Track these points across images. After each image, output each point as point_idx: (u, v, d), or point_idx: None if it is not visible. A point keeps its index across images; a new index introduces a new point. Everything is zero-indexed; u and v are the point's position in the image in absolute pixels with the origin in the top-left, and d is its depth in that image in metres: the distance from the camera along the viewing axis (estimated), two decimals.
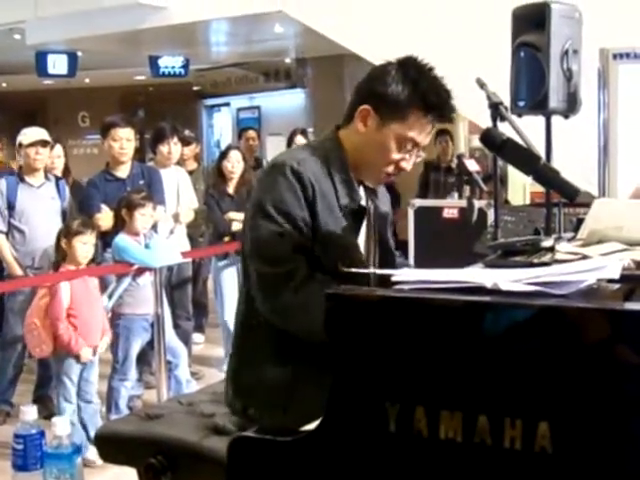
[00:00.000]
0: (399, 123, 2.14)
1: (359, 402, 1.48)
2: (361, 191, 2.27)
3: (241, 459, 1.63)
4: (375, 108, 2.15)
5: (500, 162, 2.24)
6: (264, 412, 2.11)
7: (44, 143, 5.06)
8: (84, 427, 4.20)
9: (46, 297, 4.25)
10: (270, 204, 2.08)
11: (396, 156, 2.17)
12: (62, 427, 1.78)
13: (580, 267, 1.53)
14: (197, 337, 6.65)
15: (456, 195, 7.55)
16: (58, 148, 5.70)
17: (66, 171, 5.85)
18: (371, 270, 1.86)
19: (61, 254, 4.42)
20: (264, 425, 1.83)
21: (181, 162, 6.23)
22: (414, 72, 2.15)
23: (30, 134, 5.10)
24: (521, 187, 7.99)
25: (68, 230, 4.40)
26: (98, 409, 4.41)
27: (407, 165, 2.21)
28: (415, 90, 2.12)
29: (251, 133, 8.07)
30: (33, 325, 4.25)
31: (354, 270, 1.84)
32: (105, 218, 4.87)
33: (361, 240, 2.27)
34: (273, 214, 2.07)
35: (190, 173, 6.26)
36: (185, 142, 6.41)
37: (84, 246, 4.33)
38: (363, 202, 2.25)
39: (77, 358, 4.22)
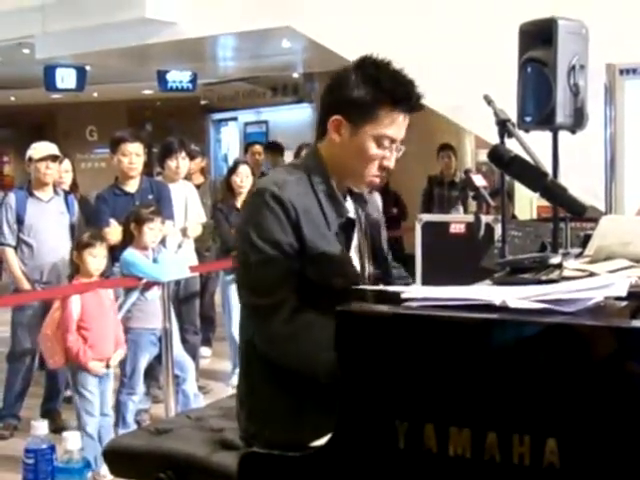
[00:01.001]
0: (371, 124, 2.13)
1: (368, 419, 1.48)
2: (349, 202, 2.26)
3: (251, 475, 1.64)
4: (345, 116, 2.15)
5: (507, 177, 2.25)
6: (277, 437, 2.04)
7: (54, 158, 5.09)
8: (99, 441, 4.20)
9: (60, 309, 4.28)
10: (254, 233, 2.07)
11: (377, 152, 2.16)
12: (73, 441, 1.79)
13: (588, 284, 1.54)
14: (204, 351, 6.65)
15: (461, 209, 7.56)
16: (66, 163, 5.72)
17: (74, 186, 5.86)
18: (380, 287, 1.86)
19: (74, 267, 4.47)
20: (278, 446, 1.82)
21: (188, 176, 6.24)
22: (373, 70, 2.15)
23: (41, 148, 5.13)
24: (528, 202, 8.00)
25: (78, 243, 4.43)
26: (112, 422, 4.42)
27: (389, 163, 2.19)
28: (378, 88, 2.12)
29: (257, 148, 8.08)
30: (46, 336, 4.29)
31: (363, 287, 1.84)
32: (114, 232, 4.89)
33: (354, 251, 2.26)
34: (258, 243, 2.06)
35: (197, 187, 6.28)
36: (190, 156, 6.43)
37: (94, 259, 4.35)
38: (351, 214, 2.24)
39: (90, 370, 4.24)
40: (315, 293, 2.05)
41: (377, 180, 2.24)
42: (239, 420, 2.23)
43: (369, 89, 2.12)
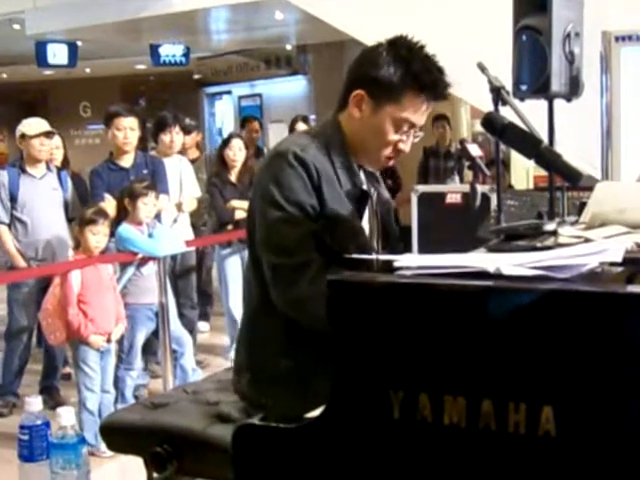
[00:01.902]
0: (394, 105, 2.12)
1: (363, 389, 1.48)
2: (362, 176, 2.25)
3: (246, 446, 1.63)
4: (369, 92, 2.14)
5: (503, 146, 2.23)
6: (281, 403, 2.06)
7: (49, 134, 5.05)
8: (100, 417, 4.21)
9: (60, 285, 4.28)
10: (279, 194, 2.06)
11: (394, 137, 2.16)
12: (67, 417, 1.79)
13: (583, 250, 1.53)
14: (202, 325, 6.66)
15: (457, 179, 7.54)
16: (57, 139, 5.68)
17: (65, 162, 5.82)
18: (373, 256, 1.85)
19: (75, 242, 4.49)
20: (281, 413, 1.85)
21: (183, 151, 6.21)
22: (405, 52, 2.13)
23: (34, 125, 5.08)
24: (524, 171, 7.98)
25: (81, 219, 4.42)
26: (113, 399, 4.43)
27: (405, 147, 2.19)
28: (407, 71, 2.11)
29: (255, 125, 8.03)
30: (47, 312, 4.30)
31: (358, 257, 1.82)
32: (109, 207, 4.86)
33: (365, 226, 2.26)
34: (283, 204, 2.05)
35: (192, 162, 6.25)
36: (186, 131, 6.39)
37: (94, 237, 4.34)
38: (365, 187, 2.23)
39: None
40: (330, 257, 2.04)
41: (390, 162, 2.25)
42: (237, 389, 2.23)
43: (398, 70, 2.11)
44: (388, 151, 2.19)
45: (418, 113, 2.15)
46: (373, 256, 1.86)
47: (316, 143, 2.15)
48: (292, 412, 1.89)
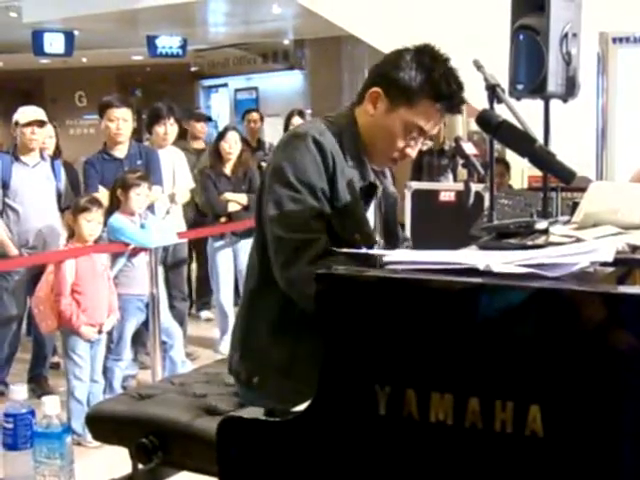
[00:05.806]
0: (408, 109, 2.15)
1: (349, 384, 1.47)
2: (370, 169, 2.27)
3: (230, 439, 1.62)
4: (385, 91, 2.17)
5: (498, 145, 2.23)
6: (266, 383, 2.13)
7: (41, 123, 5.02)
8: (89, 407, 4.20)
9: (54, 273, 4.27)
10: (292, 173, 2.08)
11: (401, 143, 2.19)
12: (52, 406, 1.77)
13: (574, 250, 1.52)
14: (204, 314, 6.71)
15: (451, 177, 7.53)
16: (49, 128, 5.65)
17: (57, 151, 5.79)
18: (363, 251, 1.85)
19: (69, 231, 4.47)
20: (267, 394, 1.94)
21: (193, 139, 6.30)
22: (429, 60, 2.16)
23: (27, 113, 5.06)
24: (519, 171, 7.97)
25: (75, 207, 4.41)
26: (102, 389, 4.42)
27: (412, 152, 2.23)
28: (428, 78, 2.13)
29: (253, 115, 8.01)
30: (39, 300, 4.29)
31: (346, 250, 1.83)
32: (102, 198, 4.84)
33: (370, 218, 2.27)
34: (295, 183, 2.07)
35: (199, 152, 6.33)
36: (202, 119, 6.54)
37: (88, 224, 4.33)
38: (372, 179, 2.25)
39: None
40: (336, 245, 2.03)
41: (392, 164, 2.29)
42: (231, 364, 2.25)
43: (418, 76, 2.14)
44: (395, 154, 2.23)
45: (430, 122, 2.18)
46: (364, 250, 1.85)
47: (331, 131, 2.18)
48: (277, 395, 1.95)
